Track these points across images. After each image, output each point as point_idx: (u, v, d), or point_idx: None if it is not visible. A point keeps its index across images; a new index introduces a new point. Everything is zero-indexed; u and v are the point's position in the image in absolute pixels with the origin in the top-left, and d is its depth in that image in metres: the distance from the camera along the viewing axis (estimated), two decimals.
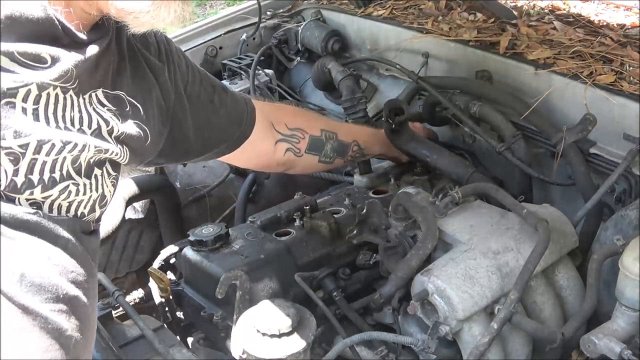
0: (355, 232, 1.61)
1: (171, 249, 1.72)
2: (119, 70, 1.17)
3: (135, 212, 2.05)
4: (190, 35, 2.59)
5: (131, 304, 1.65)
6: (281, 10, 2.72)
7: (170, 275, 1.70)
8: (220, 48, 2.62)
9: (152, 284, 1.69)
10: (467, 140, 2.00)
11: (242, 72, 2.47)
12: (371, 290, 1.57)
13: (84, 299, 1.07)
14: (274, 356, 1.25)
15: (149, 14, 1.06)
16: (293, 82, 2.71)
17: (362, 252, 1.58)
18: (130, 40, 1.22)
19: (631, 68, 1.73)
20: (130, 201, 1.94)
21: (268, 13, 2.69)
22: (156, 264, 1.70)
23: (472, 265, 1.30)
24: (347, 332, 1.42)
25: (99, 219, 1.16)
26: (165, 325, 1.58)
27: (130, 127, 1.16)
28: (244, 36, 2.60)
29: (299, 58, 2.62)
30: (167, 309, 1.67)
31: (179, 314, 1.68)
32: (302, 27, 2.52)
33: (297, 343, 1.26)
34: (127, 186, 1.93)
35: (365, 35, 2.41)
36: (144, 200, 2.03)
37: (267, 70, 2.52)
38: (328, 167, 1.83)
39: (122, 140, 1.14)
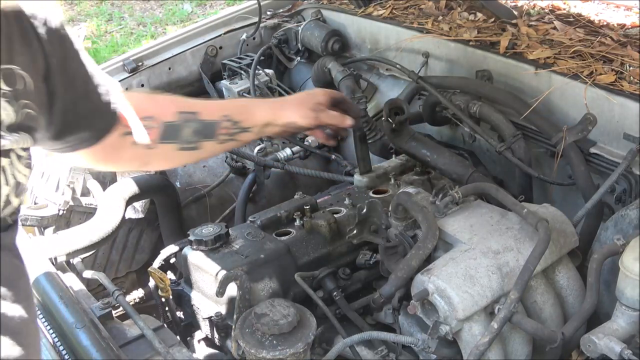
0: (355, 232, 1.61)
1: (171, 248, 1.72)
2: (9, 38, 0.96)
3: (135, 212, 2.04)
4: (190, 35, 2.59)
5: (131, 303, 1.65)
6: (281, 10, 2.73)
7: (170, 275, 1.70)
8: (220, 48, 2.62)
9: (152, 284, 1.69)
10: (467, 140, 2.01)
11: (242, 72, 2.47)
12: (371, 290, 1.58)
13: (3, 307, 0.91)
14: (274, 356, 1.25)
15: None
16: (293, 82, 2.71)
17: (362, 252, 1.58)
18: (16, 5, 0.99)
19: (631, 68, 1.73)
20: (130, 201, 1.94)
21: (268, 13, 2.69)
22: (156, 263, 1.70)
23: (473, 265, 1.30)
24: (347, 332, 1.42)
25: (18, 210, 1.00)
26: (165, 325, 1.58)
27: (23, 108, 0.97)
28: (244, 36, 2.61)
29: (299, 58, 2.62)
30: (167, 309, 1.68)
31: (179, 314, 1.68)
32: (302, 27, 2.52)
33: (297, 343, 1.26)
34: (127, 186, 1.92)
35: (365, 35, 2.41)
36: (144, 200, 2.03)
37: (267, 70, 2.52)
38: (197, 154, 1.47)
39: (17, 126, 0.96)
